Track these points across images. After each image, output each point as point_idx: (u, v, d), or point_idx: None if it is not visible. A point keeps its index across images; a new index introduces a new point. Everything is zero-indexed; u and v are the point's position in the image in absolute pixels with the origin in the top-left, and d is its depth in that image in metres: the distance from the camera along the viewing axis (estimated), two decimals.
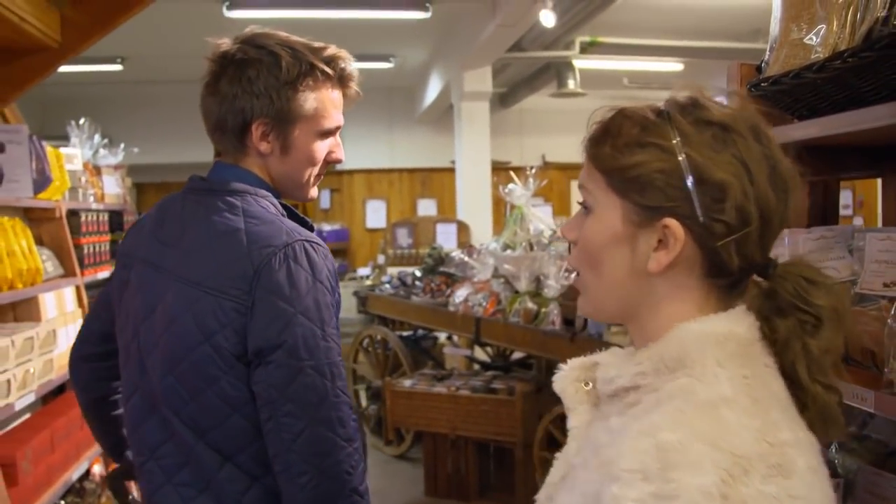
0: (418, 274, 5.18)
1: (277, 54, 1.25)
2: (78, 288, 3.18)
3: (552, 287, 3.61)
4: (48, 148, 2.94)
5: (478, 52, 6.28)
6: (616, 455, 0.69)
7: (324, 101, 1.29)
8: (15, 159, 2.65)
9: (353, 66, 1.34)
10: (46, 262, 2.85)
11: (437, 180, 9.88)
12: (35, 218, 3.04)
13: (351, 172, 9.73)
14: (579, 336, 3.26)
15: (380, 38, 7.04)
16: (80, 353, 1.50)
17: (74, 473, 2.75)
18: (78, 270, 3.15)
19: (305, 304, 1.17)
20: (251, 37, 1.28)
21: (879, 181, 1.61)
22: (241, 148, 1.30)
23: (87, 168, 3.57)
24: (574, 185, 9.96)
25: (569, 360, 0.91)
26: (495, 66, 7.08)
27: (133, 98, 8.44)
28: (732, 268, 0.77)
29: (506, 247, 4.14)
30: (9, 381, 2.29)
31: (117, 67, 7.37)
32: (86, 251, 3.30)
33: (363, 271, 8.09)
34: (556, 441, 3.52)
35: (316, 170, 1.35)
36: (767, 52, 1.29)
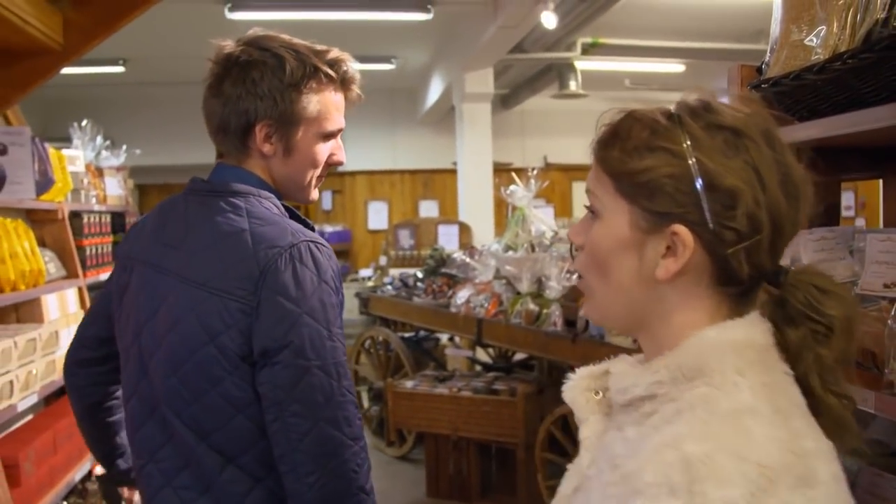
0: (420, 275, 5.18)
1: (281, 56, 1.25)
2: (80, 289, 3.19)
3: (554, 288, 3.61)
4: (50, 150, 2.95)
5: (479, 53, 6.28)
6: (638, 468, 0.68)
7: (327, 104, 1.30)
8: (17, 161, 2.65)
9: (355, 69, 1.34)
10: (49, 264, 2.86)
11: (439, 182, 9.88)
12: (37, 219, 3.04)
13: (353, 174, 9.74)
14: (581, 337, 3.27)
15: (381, 40, 7.04)
16: (77, 357, 1.49)
17: (77, 474, 2.75)
18: (80, 272, 3.16)
19: (311, 305, 1.18)
20: (255, 39, 1.29)
21: (881, 182, 1.61)
22: (244, 149, 1.30)
23: (90, 170, 3.57)
24: (576, 186, 9.97)
25: (577, 369, 0.89)
26: (497, 67, 7.08)
27: (135, 100, 8.46)
28: (742, 276, 0.75)
29: (507, 248, 4.14)
30: (11, 383, 2.30)
31: (119, 69, 7.38)
32: (88, 253, 3.31)
33: (365, 272, 8.09)
34: (557, 442, 3.52)
35: (318, 172, 1.35)
36: (768, 54, 1.29)
